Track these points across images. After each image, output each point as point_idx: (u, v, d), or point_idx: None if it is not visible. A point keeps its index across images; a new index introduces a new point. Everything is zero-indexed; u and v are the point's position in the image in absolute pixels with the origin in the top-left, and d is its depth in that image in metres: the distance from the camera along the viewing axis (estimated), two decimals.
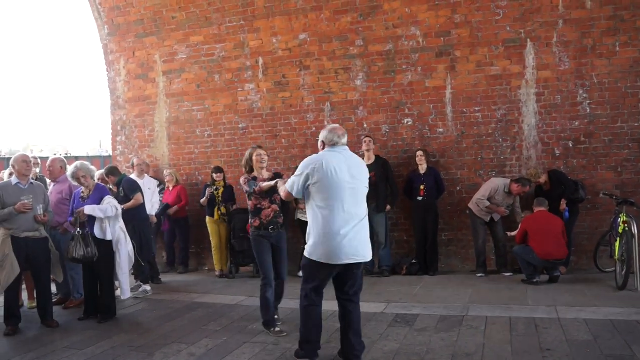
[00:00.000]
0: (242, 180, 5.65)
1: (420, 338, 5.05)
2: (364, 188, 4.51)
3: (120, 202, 7.55)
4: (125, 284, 6.58)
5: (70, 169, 6.62)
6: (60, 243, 6.58)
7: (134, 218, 7.49)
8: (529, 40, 8.21)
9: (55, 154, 22.42)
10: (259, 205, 5.53)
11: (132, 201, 7.52)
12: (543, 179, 7.96)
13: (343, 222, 4.29)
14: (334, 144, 4.48)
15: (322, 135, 4.55)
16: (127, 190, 7.59)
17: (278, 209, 5.61)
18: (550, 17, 8.11)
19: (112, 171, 7.93)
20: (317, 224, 4.38)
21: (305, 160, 4.50)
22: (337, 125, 4.71)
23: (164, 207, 9.28)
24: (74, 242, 6.17)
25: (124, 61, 10.28)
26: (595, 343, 4.82)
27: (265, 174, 5.66)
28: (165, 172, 9.66)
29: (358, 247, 4.35)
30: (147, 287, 7.66)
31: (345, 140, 4.54)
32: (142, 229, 7.66)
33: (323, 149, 4.55)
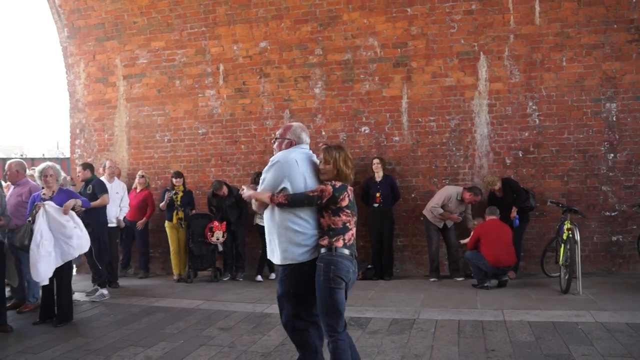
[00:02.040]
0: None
1: (371, 340, 5.22)
2: None
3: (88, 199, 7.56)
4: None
5: (40, 166, 6.57)
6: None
7: (94, 221, 7.48)
8: (481, 53, 8.54)
9: (15, 154, 21.93)
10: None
11: (99, 200, 7.62)
12: (498, 186, 8.25)
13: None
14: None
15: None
16: (96, 188, 7.71)
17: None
18: (502, 32, 8.46)
19: (90, 166, 8.07)
20: None
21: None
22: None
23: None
24: (23, 231, 6.12)
25: (84, 64, 10.21)
26: (537, 344, 5.08)
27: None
28: (139, 172, 9.51)
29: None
30: (105, 291, 7.63)
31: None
32: (101, 232, 7.66)
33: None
